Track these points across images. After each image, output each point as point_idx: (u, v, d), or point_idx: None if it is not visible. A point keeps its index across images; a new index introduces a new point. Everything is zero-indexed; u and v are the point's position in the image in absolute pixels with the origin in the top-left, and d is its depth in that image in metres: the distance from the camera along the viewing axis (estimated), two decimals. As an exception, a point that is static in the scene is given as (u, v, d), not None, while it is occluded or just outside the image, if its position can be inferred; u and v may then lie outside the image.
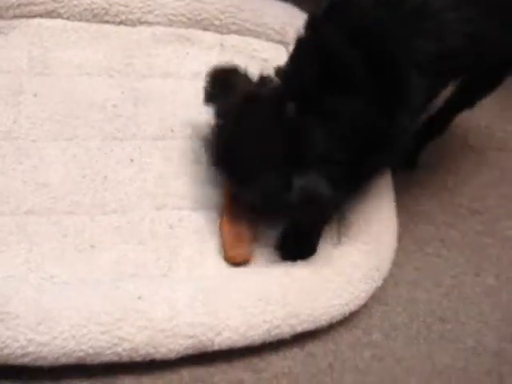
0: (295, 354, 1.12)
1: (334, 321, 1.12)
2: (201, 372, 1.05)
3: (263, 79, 1.12)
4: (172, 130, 1.23)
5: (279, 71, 1.10)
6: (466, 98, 1.31)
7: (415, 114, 1.08)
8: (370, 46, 0.99)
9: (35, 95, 1.21)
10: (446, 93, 1.25)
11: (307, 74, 1.03)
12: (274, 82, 1.09)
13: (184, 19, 1.37)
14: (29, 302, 0.96)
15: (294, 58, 1.09)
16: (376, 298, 1.20)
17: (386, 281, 1.21)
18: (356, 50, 0.98)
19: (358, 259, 1.15)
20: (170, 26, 1.37)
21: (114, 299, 1.00)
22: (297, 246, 1.17)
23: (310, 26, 1.07)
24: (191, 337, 1.00)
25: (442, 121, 1.37)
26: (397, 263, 1.24)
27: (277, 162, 1.04)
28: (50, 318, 0.95)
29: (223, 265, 1.14)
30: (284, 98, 1.04)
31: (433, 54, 1.01)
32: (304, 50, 1.07)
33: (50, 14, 1.30)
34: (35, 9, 1.29)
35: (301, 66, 1.06)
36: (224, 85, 1.14)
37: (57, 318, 0.96)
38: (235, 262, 1.14)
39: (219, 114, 1.12)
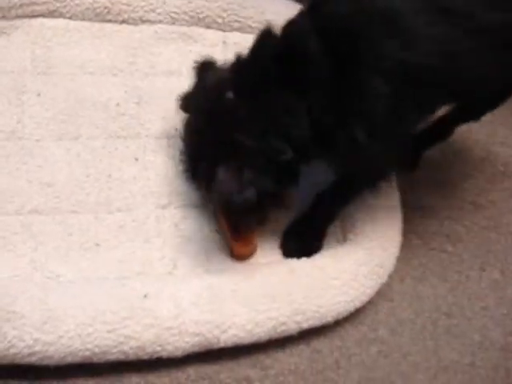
0: (301, 350, 1.11)
1: (340, 317, 1.12)
2: (207, 369, 1.05)
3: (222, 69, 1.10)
4: (176, 129, 1.23)
5: (236, 59, 1.07)
6: (469, 113, 1.30)
7: (377, 128, 0.99)
8: (337, 44, 0.96)
9: (39, 95, 1.22)
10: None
11: (258, 61, 1.01)
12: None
13: (186, 17, 1.37)
14: (34, 302, 0.97)
15: (255, 46, 1.05)
16: (381, 294, 1.19)
17: (391, 277, 1.21)
18: (322, 45, 0.95)
19: (362, 256, 1.15)
20: (173, 24, 1.37)
21: (120, 298, 1.00)
22: (299, 245, 1.17)
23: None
24: (197, 334, 1.00)
25: (444, 128, 1.36)
26: (402, 259, 1.23)
27: (210, 151, 1.03)
28: (56, 317, 0.96)
29: (228, 262, 1.14)
30: (225, 86, 1.03)
31: (402, 62, 0.95)
32: (266, 39, 1.03)
33: (52, 14, 1.30)
34: (37, 8, 1.29)
35: (256, 53, 1.03)
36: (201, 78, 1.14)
37: (62, 317, 0.96)
38: (241, 258, 1.14)
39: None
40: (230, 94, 1.02)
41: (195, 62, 1.16)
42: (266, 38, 1.03)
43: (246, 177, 0.98)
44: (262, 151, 0.99)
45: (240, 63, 1.05)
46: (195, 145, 1.08)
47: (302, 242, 1.17)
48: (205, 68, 1.16)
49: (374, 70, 0.96)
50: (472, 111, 1.29)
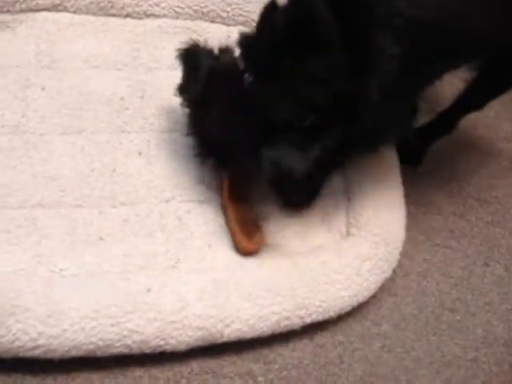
0: (305, 345, 1.12)
1: (343, 312, 1.12)
2: (210, 364, 1.06)
3: (223, 51, 1.08)
4: (179, 123, 1.23)
5: (242, 39, 1.05)
6: (474, 100, 1.30)
7: (389, 88, 1.00)
8: (346, 6, 0.95)
9: (43, 89, 1.22)
10: (454, 92, 1.24)
11: (266, 37, 0.99)
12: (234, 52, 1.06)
13: (190, 11, 1.37)
14: (39, 295, 0.97)
15: (259, 23, 1.03)
16: (385, 289, 1.20)
17: (395, 272, 1.21)
18: (331, 9, 0.94)
19: (366, 250, 1.15)
20: (177, 18, 1.37)
21: (124, 292, 1.00)
22: (297, 193, 1.18)
23: None
24: (201, 328, 1.00)
25: (448, 121, 1.36)
26: (406, 254, 1.24)
27: (246, 137, 1.03)
28: (60, 310, 0.96)
29: (232, 256, 1.13)
30: (241, 69, 1.01)
31: (412, 19, 0.95)
32: (273, 11, 1.00)
33: (56, 8, 1.30)
34: (41, 3, 1.29)
35: (262, 30, 1.01)
36: (190, 65, 1.11)
37: (66, 311, 0.96)
38: (248, 253, 1.14)
39: (188, 98, 1.12)
40: (248, 78, 1.01)
41: (178, 49, 1.13)
42: (272, 10, 1.00)
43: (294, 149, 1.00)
44: (295, 124, 1.00)
45: (248, 41, 1.04)
46: (222, 134, 1.06)
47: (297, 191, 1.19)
48: (191, 54, 1.13)
49: (384, 29, 0.95)
50: (478, 96, 1.28)
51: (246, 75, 1.01)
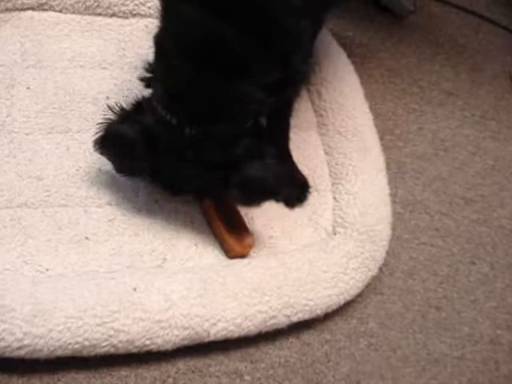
0: (291, 343, 1.12)
1: (330, 310, 1.12)
2: (197, 363, 1.05)
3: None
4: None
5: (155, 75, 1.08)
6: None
7: (306, 54, 1.12)
8: (244, 8, 0.96)
9: (28, 88, 1.21)
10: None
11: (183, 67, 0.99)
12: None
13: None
14: (24, 295, 0.96)
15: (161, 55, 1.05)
16: (371, 287, 1.20)
17: (381, 270, 1.22)
18: (229, 19, 0.95)
19: (353, 249, 1.16)
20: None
21: (109, 291, 1.00)
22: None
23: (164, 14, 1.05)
24: (187, 328, 1.00)
25: None
26: (392, 253, 1.24)
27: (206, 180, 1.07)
28: (46, 310, 0.95)
29: (219, 256, 1.13)
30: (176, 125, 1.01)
31: None
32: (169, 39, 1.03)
33: (41, 7, 1.30)
34: (27, 2, 1.29)
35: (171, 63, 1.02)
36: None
37: (52, 311, 0.95)
38: (239, 256, 1.13)
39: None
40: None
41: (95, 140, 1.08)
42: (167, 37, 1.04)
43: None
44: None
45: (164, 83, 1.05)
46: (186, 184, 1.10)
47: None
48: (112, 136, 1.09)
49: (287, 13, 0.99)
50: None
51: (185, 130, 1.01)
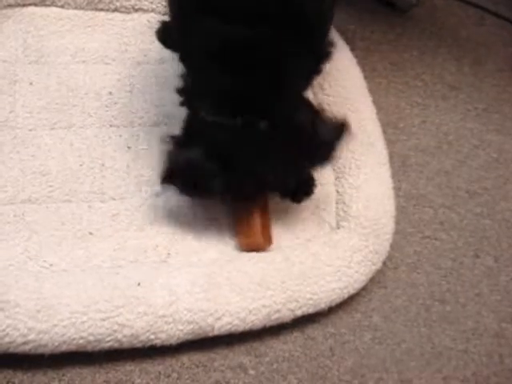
0: (295, 337, 1.12)
1: (334, 304, 1.12)
2: (201, 357, 1.05)
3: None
4: (169, 116, 1.23)
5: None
6: None
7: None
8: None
9: (31, 84, 1.21)
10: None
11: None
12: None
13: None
14: (28, 290, 0.96)
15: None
16: (375, 281, 1.20)
17: (385, 264, 1.21)
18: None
19: (357, 243, 1.15)
20: (166, 13, 1.35)
21: (114, 286, 1.00)
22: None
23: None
24: (191, 322, 1.00)
25: None
26: (396, 247, 1.24)
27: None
28: (50, 305, 0.95)
29: (223, 251, 1.13)
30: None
31: None
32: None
33: (43, 2, 1.30)
34: (29, -3, 1.28)
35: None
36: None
37: (56, 306, 0.95)
38: (262, 250, 1.14)
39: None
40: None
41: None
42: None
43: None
44: None
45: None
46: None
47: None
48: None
49: None
50: None
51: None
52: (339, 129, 1.10)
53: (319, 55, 1.08)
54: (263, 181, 1.07)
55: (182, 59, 1.09)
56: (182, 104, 1.09)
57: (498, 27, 1.70)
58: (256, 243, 1.13)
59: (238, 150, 1.03)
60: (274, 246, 1.15)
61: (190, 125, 1.08)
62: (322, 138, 1.07)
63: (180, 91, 1.09)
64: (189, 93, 1.08)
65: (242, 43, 0.96)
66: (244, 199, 1.13)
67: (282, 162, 1.06)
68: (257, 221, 1.13)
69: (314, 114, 1.10)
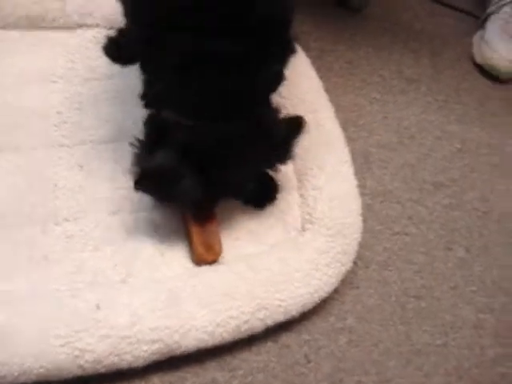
0: (269, 347, 1.08)
1: (306, 310, 1.09)
2: (171, 377, 1.01)
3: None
4: (121, 132, 1.19)
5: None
6: None
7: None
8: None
9: (-27, 108, 1.17)
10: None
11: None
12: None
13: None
14: (-19, 321, 0.92)
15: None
16: (347, 282, 1.17)
17: (355, 264, 1.18)
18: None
19: (323, 244, 1.12)
20: (111, 27, 1.32)
21: (72, 310, 0.96)
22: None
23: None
24: (156, 341, 0.96)
25: None
26: (365, 245, 1.21)
27: None
28: (6, 333, 0.91)
29: (186, 265, 1.09)
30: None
31: None
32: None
33: (-16, 25, 1.26)
34: (-30, 21, 1.24)
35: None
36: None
37: (13, 335, 0.91)
38: (206, 263, 1.09)
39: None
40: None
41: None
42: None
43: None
44: None
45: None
46: None
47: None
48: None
49: None
50: None
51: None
52: (295, 125, 1.08)
53: (286, 52, 1.08)
54: (234, 184, 1.06)
55: (146, 68, 1.08)
56: (145, 107, 1.08)
57: (450, 17, 1.71)
58: (197, 254, 1.09)
59: (211, 152, 1.01)
60: (238, 255, 1.11)
61: (153, 129, 1.06)
62: (278, 136, 1.05)
63: (143, 96, 1.07)
64: (153, 97, 1.06)
65: (212, 52, 0.96)
66: (210, 205, 1.10)
67: (250, 164, 1.06)
68: (194, 231, 1.09)
69: (276, 112, 1.09)
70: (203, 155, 1.00)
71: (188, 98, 1.01)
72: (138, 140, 1.06)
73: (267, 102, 1.08)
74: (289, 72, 1.29)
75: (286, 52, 1.08)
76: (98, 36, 1.31)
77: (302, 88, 1.33)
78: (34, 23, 1.29)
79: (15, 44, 1.27)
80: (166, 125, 1.02)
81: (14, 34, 1.28)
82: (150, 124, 1.06)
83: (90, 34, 1.32)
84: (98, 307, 0.96)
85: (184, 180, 0.99)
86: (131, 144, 1.05)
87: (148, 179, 1.01)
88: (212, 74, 0.98)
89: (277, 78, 1.08)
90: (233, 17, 0.95)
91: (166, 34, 0.97)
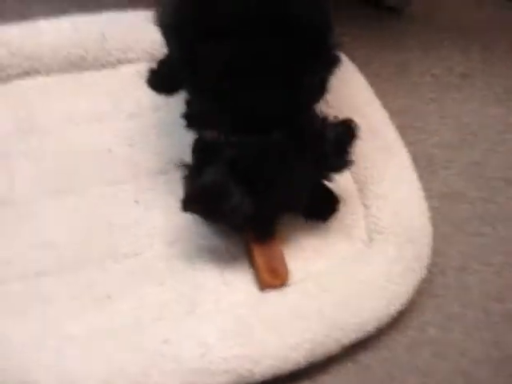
0: (348, 369, 1.02)
1: (382, 324, 1.03)
2: (248, 408, 0.97)
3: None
4: (172, 162, 1.17)
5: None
6: None
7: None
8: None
9: (26, 155, 1.17)
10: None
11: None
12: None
13: (164, 49, 1.31)
14: (49, 366, 0.90)
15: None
16: (423, 291, 1.10)
17: (430, 271, 1.12)
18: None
19: (393, 253, 1.07)
20: (152, 60, 1.31)
21: (139, 347, 0.93)
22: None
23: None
24: (228, 371, 0.92)
25: None
26: (438, 251, 1.14)
27: None
28: (74, 379, 0.89)
29: (251, 290, 1.05)
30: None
31: None
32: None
33: (27, 74, 1.26)
34: (12, 72, 1.25)
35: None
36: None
37: (81, 379, 0.89)
38: (273, 287, 1.05)
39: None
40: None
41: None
42: None
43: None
44: None
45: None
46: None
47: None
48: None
49: None
50: None
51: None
52: (346, 131, 1.04)
53: (328, 61, 1.05)
54: (287, 197, 1.02)
55: (189, 87, 1.07)
56: (188, 127, 1.06)
57: (498, 8, 1.64)
58: (263, 280, 1.05)
59: (258, 165, 0.98)
60: (304, 274, 1.06)
61: (201, 151, 1.04)
62: (328, 144, 1.01)
63: (185, 116, 1.07)
64: (197, 117, 1.06)
65: (253, 58, 0.95)
66: (267, 225, 1.07)
67: (302, 174, 1.02)
68: (257, 255, 1.06)
69: (322, 121, 1.05)
70: (250, 169, 0.97)
71: (228, 112, 0.99)
72: (187, 165, 1.03)
73: (312, 112, 1.04)
74: (336, 81, 1.26)
75: (329, 60, 1.05)
76: (140, 70, 1.30)
77: (351, 95, 1.28)
78: (76, 65, 1.29)
79: (59, 88, 1.27)
80: (212, 146, 1.00)
81: (57, 79, 1.28)
82: (197, 148, 1.04)
83: (132, 68, 1.31)
84: (165, 342, 0.93)
85: (233, 195, 0.95)
86: (179, 167, 1.04)
87: (196, 198, 0.98)
88: (251, 83, 0.96)
89: (321, 88, 1.05)
90: (269, 17, 0.94)
91: (204, 43, 0.96)
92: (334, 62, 1.06)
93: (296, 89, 0.98)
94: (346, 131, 1.03)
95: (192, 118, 1.06)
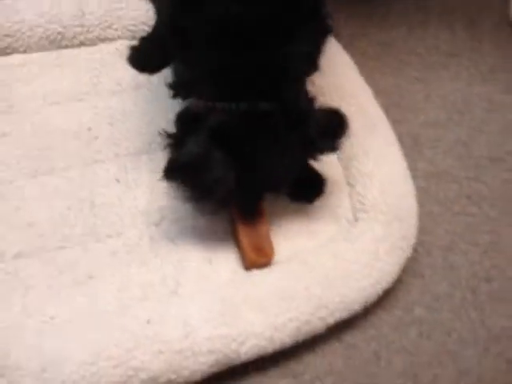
0: (334, 348, 1.01)
1: (369, 303, 1.02)
2: (234, 389, 0.95)
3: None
4: (154, 141, 1.14)
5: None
6: None
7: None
8: None
9: (4, 135, 1.14)
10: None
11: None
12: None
13: (146, 27, 1.29)
14: (30, 350, 0.88)
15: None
16: (410, 271, 1.09)
17: (417, 251, 1.11)
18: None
19: (380, 232, 1.06)
20: (133, 38, 1.29)
21: (122, 328, 0.91)
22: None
23: None
24: (213, 352, 0.90)
25: None
26: (425, 230, 1.14)
27: None
28: (55, 361, 0.86)
29: (237, 269, 1.04)
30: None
31: None
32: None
33: (4, 51, 1.23)
34: (-13, 49, 1.22)
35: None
36: None
37: (62, 361, 0.86)
38: (257, 266, 1.03)
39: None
40: None
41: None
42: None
43: None
44: None
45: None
46: None
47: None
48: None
49: None
50: None
51: None
52: (334, 117, 1.02)
53: (320, 29, 1.03)
54: (272, 173, 1.00)
55: (177, 54, 1.04)
56: (175, 96, 1.05)
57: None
58: (248, 258, 1.03)
59: (242, 136, 0.96)
60: (290, 253, 1.05)
61: (185, 121, 1.01)
62: (316, 124, 0.99)
63: (172, 85, 1.05)
64: (184, 86, 1.03)
65: (242, 23, 0.93)
66: (252, 201, 1.05)
67: (288, 152, 0.99)
68: (242, 234, 1.04)
69: (311, 100, 1.03)
70: (233, 136, 0.95)
71: (215, 78, 0.97)
72: (171, 134, 1.01)
73: (300, 86, 1.02)
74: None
75: (321, 29, 1.03)
76: (120, 48, 1.27)
77: (336, 74, 1.26)
78: (55, 43, 1.26)
79: (38, 67, 1.24)
80: (197, 116, 0.97)
81: (35, 56, 1.25)
82: (181, 118, 1.02)
83: (112, 46, 1.28)
84: (148, 322, 0.91)
85: (215, 166, 0.93)
86: (160, 135, 1.02)
87: (178, 168, 0.95)
88: (239, 49, 0.94)
89: (311, 60, 1.02)
90: None
91: (194, 9, 0.95)
92: (325, 32, 1.04)
93: (285, 56, 0.96)
94: (337, 118, 1.02)
95: (179, 87, 1.04)
